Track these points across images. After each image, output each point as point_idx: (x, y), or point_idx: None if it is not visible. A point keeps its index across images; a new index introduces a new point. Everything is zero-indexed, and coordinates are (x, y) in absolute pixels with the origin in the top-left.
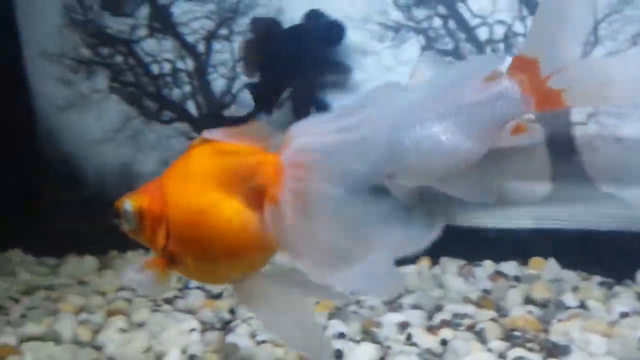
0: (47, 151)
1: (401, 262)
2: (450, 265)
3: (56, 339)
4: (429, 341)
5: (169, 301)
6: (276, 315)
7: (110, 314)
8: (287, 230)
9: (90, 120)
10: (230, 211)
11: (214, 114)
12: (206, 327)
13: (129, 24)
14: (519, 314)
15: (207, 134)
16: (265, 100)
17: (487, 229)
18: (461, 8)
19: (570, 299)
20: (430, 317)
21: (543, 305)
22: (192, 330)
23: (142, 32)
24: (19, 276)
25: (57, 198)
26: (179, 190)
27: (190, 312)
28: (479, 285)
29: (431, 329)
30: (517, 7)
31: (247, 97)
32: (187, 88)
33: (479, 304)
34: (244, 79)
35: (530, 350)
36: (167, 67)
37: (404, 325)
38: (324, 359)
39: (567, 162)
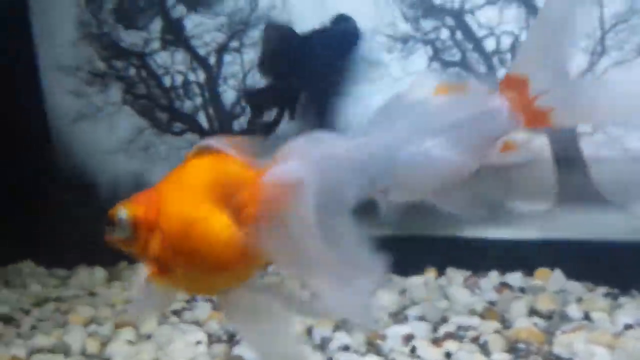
0: (60, 162)
1: (407, 272)
2: (456, 276)
3: (65, 351)
4: (433, 354)
5: (176, 313)
6: (256, 330)
7: (119, 325)
8: (262, 249)
9: (103, 132)
10: (219, 225)
11: (224, 126)
12: (213, 339)
13: (142, 37)
14: (524, 325)
15: (203, 142)
16: (265, 108)
17: (493, 239)
18: (468, 19)
19: (574, 311)
20: (435, 329)
21: (548, 316)
22: (199, 342)
23: (155, 45)
24: (30, 287)
25: (69, 209)
26: (173, 200)
27: (197, 324)
28: (484, 297)
29: (436, 341)
30: (523, 18)
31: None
32: (199, 100)
33: (483, 316)
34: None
35: None
36: (179, 79)
37: (408, 338)
38: None
39: (573, 173)
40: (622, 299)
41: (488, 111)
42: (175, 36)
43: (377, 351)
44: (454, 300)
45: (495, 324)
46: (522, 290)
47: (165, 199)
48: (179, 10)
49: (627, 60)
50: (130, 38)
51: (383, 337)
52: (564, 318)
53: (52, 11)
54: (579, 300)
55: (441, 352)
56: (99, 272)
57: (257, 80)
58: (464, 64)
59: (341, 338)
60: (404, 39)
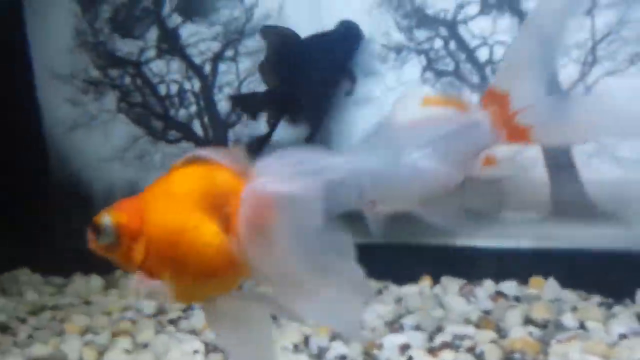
0: (56, 170)
1: (402, 281)
2: (451, 285)
3: None
4: None
5: (172, 322)
6: (237, 339)
7: (115, 334)
8: (248, 259)
9: (98, 140)
10: (209, 234)
11: (219, 134)
12: (209, 348)
13: (138, 46)
14: (519, 335)
15: (191, 153)
16: (257, 112)
17: (488, 248)
18: (462, 30)
19: (569, 320)
20: (431, 339)
21: (543, 325)
22: (196, 351)
23: (151, 53)
24: (26, 296)
25: (64, 217)
26: (159, 208)
27: (193, 333)
28: (479, 305)
29: (432, 351)
30: (516, 28)
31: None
32: (194, 108)
33: (479, 325)
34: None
35: None
36: (174, 87)
37: (404, 347)
38: None
39: (566, 182)
40: (616, 308)
41: (470, 124)
42: (170, 45)
43: None
44: (449, 309)
45: (490, 334)
46: (517, 299)
47: (151, 207)
48: (175, 19)
49: (619, 71)
50: (126, 47)
51: (379, 347)
52: (559, 327)
53: (48, 20)
54: (574, 309)
55: None
56: (95, 280)
57: (253, 88)
58: (457, 73)
59: (338, 348)
60: (398, 49)
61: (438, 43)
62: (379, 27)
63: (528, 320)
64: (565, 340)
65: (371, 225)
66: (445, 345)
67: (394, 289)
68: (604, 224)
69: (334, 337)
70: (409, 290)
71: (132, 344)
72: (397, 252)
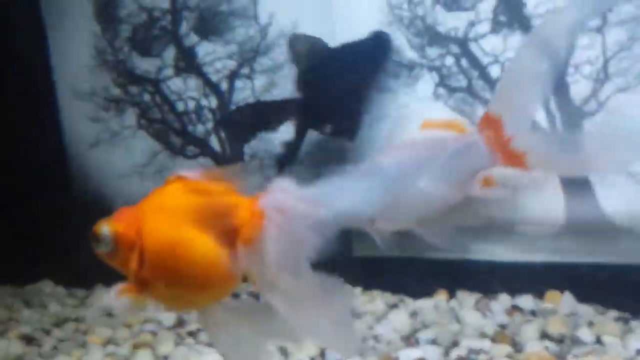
0: (78, 185)
1: (418, 295)
2: (467, 299)
3: None
4: None
5: (191, 334)
6: (231, 346)
7: (136, 346)
8: (260, 270)
9: (119, 156)
10: (203, 247)
11: (235, 149)
12: None
13: (156, 65)
14: (535, 349)
15: (182, 172)
16: (277, 122)
17: (503, 262)
18: (473, 47)
19: (586, 334)
20: (446, 353)
21: (559, 340)
22: None
23: (169, 72)
24: (50, 307)
25: (86, 231)
26: (154, 220)
27: (212, 345)
28: (495, 320)
29: None
30: None
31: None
32: (211, 124)
33: (495, 339)
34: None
35: None
36: (192, 104)
37: None
38: None
39: (581, 196)
40: (633, 323)
41: (467, 147)
42: (188, 63)
43: None
44: (464, 323)
45: (506, 348)
46: (533, 313)
47: (147, 218)
48: (192, 38)
49: (630, 87)
50: (144, 65)
51: None
52: (576, 342)
53: (70, 40)
54: (590, 323)
55: None
56: None
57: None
58: (469, 90)
59: None
60: (410, 66)
61: (450, 60)
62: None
63: (544, 335)
64: (582, 355)
65: (377, 240)
66: None
67: (410, 303)
68: (620, 238)
69: None
70: (424, 304)
71: (153, 355)
72: (413, 266)
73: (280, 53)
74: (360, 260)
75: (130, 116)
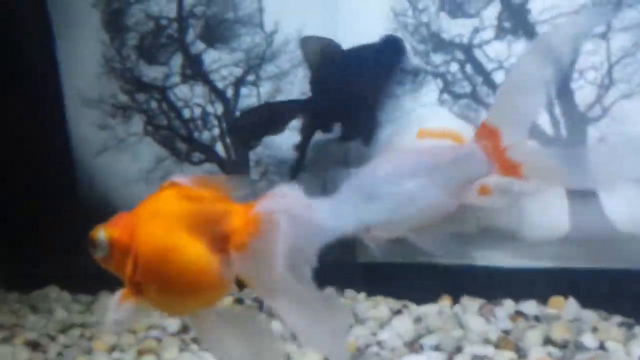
0: (84, 191)
1: (422, 300)
2: (471, 305)
3: None
4: None
5: (196, 340)
6: (224, 351)
7: (141, 352)
8: (254, 275)
9: (125, 162)
10: (194, 253)
11: (240, 155)
12: None
13: (163, 72)
14: (538, 355)
15: (175, 178)
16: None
17: (508, 267)
18: (478, 53)
19: (589, 340)
20: (450, 359)
21: (562, 346)
22: None
23: (175, 79)
24: (56, 313)
25: None
26: (148, 226)
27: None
28: (499, 325)
29: None
30: None
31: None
32: (216, 131)
33: (498, 345)
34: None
35: None
36: (198, 111)
37: None
38: None
39: (585, 202)
40: (637, 329)
41: (463, 156)
42: (194, 71)
43: None
44: (468, 328)
45: (510, 354)
46: (537, 318)
47: (141, 224)
48: (198, 46)
49: (635, 93)
50: (151, 73)
51: None
52: (579, 347)
53: (78, 48)
54: (594, 329)
55: None
56: None
57: None
58: (474, 96)
59: None
60: (415, 72)
61: (455, 66)
62: None
63: (548, 341)
64: None
65: (371, 248)
66: None
67: (414, 309)
68: (624, 244)
69: (354, 356)
70: (428, 309)
71: None
72: (417, 272)
73: (286, 60)
74: (364, 266)
75: (137, 123)
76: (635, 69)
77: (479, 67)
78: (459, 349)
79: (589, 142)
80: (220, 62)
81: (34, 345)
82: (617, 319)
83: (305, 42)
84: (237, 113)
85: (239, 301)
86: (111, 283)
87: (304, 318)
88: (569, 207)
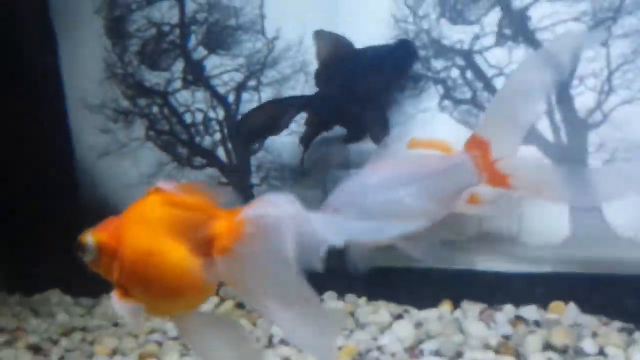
0: (86, 196)
1: (423, 305)
2: (472, 310)
3: None
4: None
5: None
6: (209, 353)
7: (142, 357)
8: (237, 279)
9: (127, 167)
10: (178, 257)
11: (242, 160)
12: None
13: (165, 78)
14: None
15: (161, 184)
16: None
17: (508, 273)
18: (478, 60)
19: (590, 345)
20: None
21: (563, 351)
22: None
23: (177, 84)
24: (58, 317)
25: None
26: (133, 231)
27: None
28: (499, 331)
29: None
30: None
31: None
32: (218, 136)
33: (499, 350)
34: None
35: None
36: (199, 116)
37: None
38: None
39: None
40: (638, 334)
41: (452, 166)
42: (196, 76)
43: None
44: (469, 334)
45: (510, 359)
46: (537, 324)
47: (127, 229)
48: (200, 52)
49: (635, 100)
50: (153, 78)
51: None
52: (579, 353)
53: (80, 54)
54: (594, 334)
55: None
56: None
57: None
58: (474, 102)
59: None
60: (416, 79)
61: (455, 73)
62: None
63: (548, 346)
64: None
65: (354, 257)
66: None
67: (415, 314)
68: (624, 249)
69: None
70: (429, 314)
71: None
72: (418, 277)
73: (287, 66)
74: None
75: (139, 128)
76: (635, 75)
77: (479, 74)
78: (459, 354)
79: (589, 149)
80: (222, 68)
81: (36, 349)
82: (618, 324)
83: (319, 36)
84: (239, 118)
85: (240, 306)
86: (111, 287)
87: (290, 321)
88: (569, 213)
